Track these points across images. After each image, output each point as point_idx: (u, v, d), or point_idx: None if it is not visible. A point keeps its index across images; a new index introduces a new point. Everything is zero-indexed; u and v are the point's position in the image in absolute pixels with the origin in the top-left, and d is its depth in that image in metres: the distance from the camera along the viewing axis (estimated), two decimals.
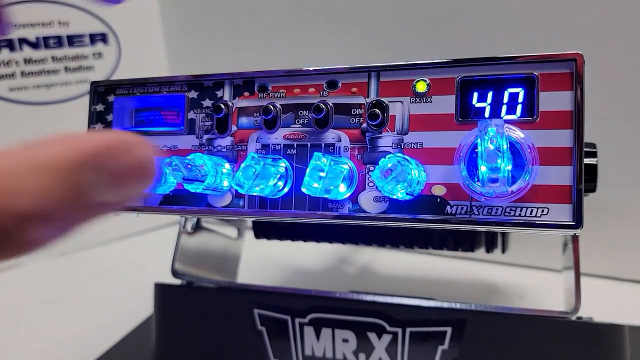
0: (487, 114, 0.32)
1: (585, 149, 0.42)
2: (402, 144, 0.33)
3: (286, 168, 0.35)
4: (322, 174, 0.32)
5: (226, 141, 0.37)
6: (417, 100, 0.33)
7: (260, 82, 0.37)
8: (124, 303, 0.64)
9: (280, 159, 0.35)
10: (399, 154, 0.32)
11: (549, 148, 0.30)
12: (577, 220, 0.29)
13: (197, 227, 0.54)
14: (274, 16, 0.78)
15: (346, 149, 0.34)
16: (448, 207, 0.32)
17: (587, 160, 0.41)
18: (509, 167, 0.29)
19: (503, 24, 0.63)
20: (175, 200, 0.38)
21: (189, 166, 0.33)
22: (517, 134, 0.30)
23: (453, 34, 0.66)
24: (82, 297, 0.69)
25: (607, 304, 0.57)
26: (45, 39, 0.81)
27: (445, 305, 0.42)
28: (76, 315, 0.64)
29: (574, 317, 0.40)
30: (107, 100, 0.41)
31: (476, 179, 0.30)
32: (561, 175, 0.30)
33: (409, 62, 0.33)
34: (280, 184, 0.35)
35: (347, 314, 0.44)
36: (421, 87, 0.33)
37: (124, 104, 0.40)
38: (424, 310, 0.42)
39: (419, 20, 0.68)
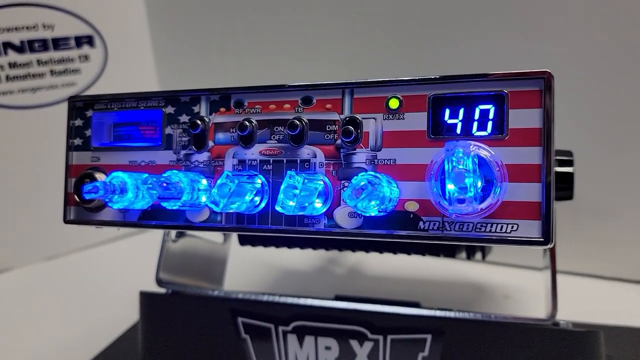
0: (458, 131, 0.32)
1: (561, 158, 0.42)
2: (376, 160, 0.33)
3: (262, 183, 0.35)
4: (296, 192, 0.32)
5: (203, 157, 0.37)
6: (390, 117, 0.33)
7: (237, 97, 0.37)
8: (111, 308, 0.65)
9: (256, 175, 0.35)
10: (370, 173, 0.32)
11: (518, 165, 0.30)
12: (546, 236, 0.30)
13: (182, 234, 0.54)
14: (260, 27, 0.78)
15: (321, 165, 0.34)
16: (421, 223, 0.32)
17: (563, 169, 0.42)
18: (479, 185, 0.29)
19: (477, 40, 0.64)
20: (154, 216, 0.38)
21: (165, 184, 0.34)
22: (486, 151, 0.31)
23: (427, 50, 0.67)
24: (68, 303, 0.69)
25: (586, 302, 0.59)
26: (30, 42, 0.80)
27: (426, 312, 0.43)
28: (61, 321, 0.65)
29: (550, 323, 0.41)
30: (86, 115, 0.41)
31: (446, 197, 0.30)
32: (530, 192, 0.30)
33: (382, 79, 0.33)
34: (257, 199, 0.35)
35: (329, 322, 0.44)
36: (394, 104, 0.33)
37: (102, 119, 0.40)
38: (404, 318, 0.43)
39: (394, 37, 0.68)
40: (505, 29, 0.63)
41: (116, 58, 0.88)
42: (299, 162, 0.35)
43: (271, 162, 0.36)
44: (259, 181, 0.35)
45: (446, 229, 0.32)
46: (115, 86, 0.86)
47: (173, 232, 0.53)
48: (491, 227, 0.31)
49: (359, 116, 0.34)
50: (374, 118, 0.33)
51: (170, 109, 0.38)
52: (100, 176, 0.39)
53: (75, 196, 0.39)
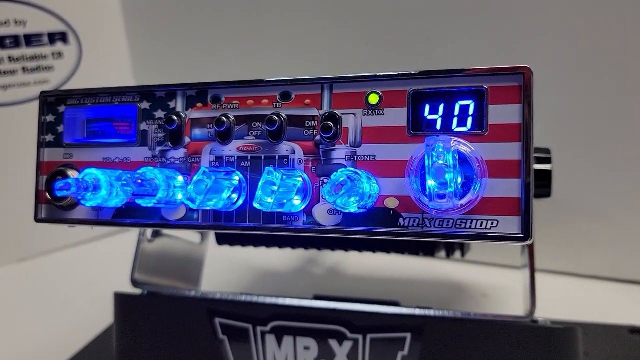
0: (438, 127, 0.32)
1: (540, 155, 0.43)
2: (356, 157, 0.33)
3: (240, 180, 0.34)
4: (275, 188, 0.31)
5: (179, 153, 0.36)
6: (370, 112, 0.33)
7: (214, 93, 0.36)
8: (85, 311, 0.63)
9: (233, 172, 0.34)
10: (350, 169, 0.32)
11: (498, 161, 0.30)
12: (526, 232, 0.30)
13: (158, 234, 0.53)
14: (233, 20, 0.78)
15: (300, 161, 0.34)
16: (401, 220, 0.32)
17: (541, 167, 0.42)
18: (459, 181, 0.29)
19: (458, 36, 0.64)
20: (128, 214, 0.37)
21: (140, 181, 0.33)
22: (466, 147, 0.31)
23: (408, 45, 0.67)
24: (41, 305, 0.67)
25: (564, 300, 0.59)
26: (1, 38, 0.78)
27: (405, 311, 0.42)
28: (33, 324, 0.63)
29: (529, 321, 0.41)
30: (58, 110, 0.39)
31: (426, 192, 0.30)
32: (510, 188, 0.30)
33: (361, 75, 0.33)
34: (235, 196, 0.34)
35: (308, 322, 0.44)
36: (373, 99, 0.33)
37: (75, 115, 0.39)
38: (384, 317, 0.43)
39: (374, 32, 0.68)
40: (485, 26, 0.63)
41: (91, 55, 0.86)
42: (277, 158, 0.34)
43: (249, 158, 0.35)
44: (237, 178, 0.34)
45: (426, 225, 0.31)
46: (90, 84, 0.83)
47: (149, 232, 0.52)
48: (471, 223, 0.31)
49: (338, 112, 0.33)
50: (353, 114, 0.33)
51: (145, 105, 0.37)
52: (72, 173, 0.38)
53: (47, 194, 0.38)
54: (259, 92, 0.35)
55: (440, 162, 0.27)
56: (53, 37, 0.83)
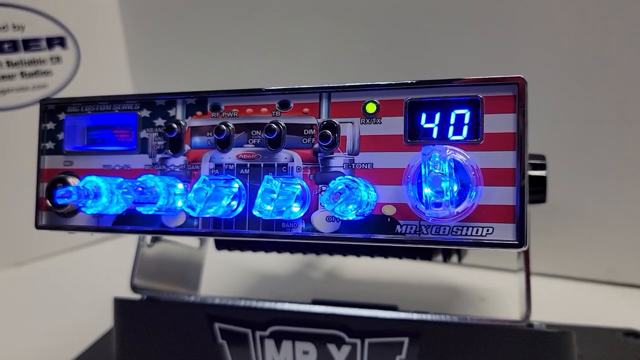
0: (434, 135, 0.32)
1: (534, 162, 0.43)
2: (353, 165, 0.33)
3: (239, 188, 0.35)
4: (274, 196, 0.32)
5: (179, 161, 0.37)
6: (367, 121, 0.33)
7: (213, 101, 0.37)
8: (83, 315, 0.63)
9: (233, 179, 0.35)
10: (348, 177, 0.32)
11: (493, 169, 0.31)
12: (520, 239, 0.30)
13: (157, 239, 0.53)
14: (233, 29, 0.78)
15: (299, 169, 0.34)
16: (398, 227, 0.32)
17: (536, 173, 0.43)
18: (455, 189, 0.29)
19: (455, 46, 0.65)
20: (129, 220, 0.37)
21: (140, 189, 0.33)
22: (462, 155, 0.31)
23: (406, 54, 0.68)
24: (38, 310, 0.68)
25: (560, 303, 0.60)
26: (0, 43, 0.79)
27: (403, 315, 0.43)
28: (31, 329, 0.63)
29: (525, 325, 0.42)
30: (58, 118, 0.40)
31: (423, 200, 0.30)
32: (505, 196, 0.31)
33: (359, 84, 0.33)
34: (234, 203, 0.35)
35: (307, 326, 0.44)
36: (371, 108, 0.33)
37: (76, 123, 0.39)
38: (382, 321, 0.43)
39: (373, 42, 0.69)
40: (481, 34, 0.64)
41: (89, 60, 0.86)
42: (276, 166, 0.35)
43: (248, 166, 0.35)
44: (236, 185, 0.35)
45: (423, 232, 0.32)
46: (88, 88, 0.84)
47: (148, 237, 0.52)
48: (467, 230, 0.31)
49: (336, 120, 0.34)
50: (351, 122, 0.34)
51: (145, 113, 0.38)
52: (73, 180, 0.38)
53: (48, 201, 0.38)
54: (258, 101, 0.36)
55: (437, 171, 0.28)
56: (51, 42, 0.83)
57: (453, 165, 0.30)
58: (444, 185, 0.28)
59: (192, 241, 0.60)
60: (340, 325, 0.44)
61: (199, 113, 0.37)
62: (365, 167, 0.33)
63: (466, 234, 0.31)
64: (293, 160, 0.35)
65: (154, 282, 0.52)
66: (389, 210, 0.32)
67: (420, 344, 0.42)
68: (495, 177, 0.31)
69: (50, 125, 0.40)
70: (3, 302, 0.70)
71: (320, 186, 0.34)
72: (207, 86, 0.37)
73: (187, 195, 0.34)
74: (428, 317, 0.42)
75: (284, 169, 0.35)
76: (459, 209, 0.30)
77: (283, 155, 0.35)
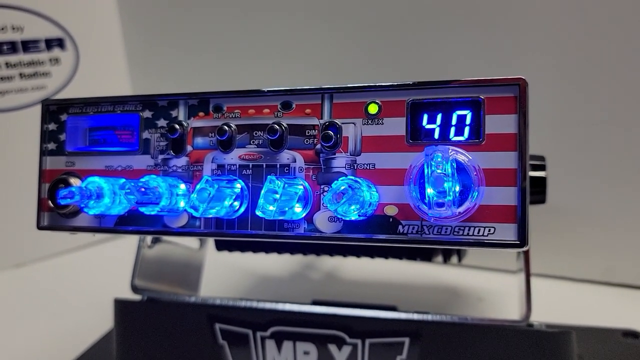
0: (436, 136, 0.32)
1: (534, 162, 0.44)
2: (355, 165, 0.34)
3: (242, 188, 0.35)
4: (277, 196, 0.32)
5: (181, 161, 0.37)
6: (369, 121, 0.34)
7: (215, 102, 0.37)
8: (83, 316, 0.63)
9: (235, 180, 0.35)
10: (350, 177, 0.32)
11: (494, 169, 0.31)
12: (522, 239, 0.30)
13: (157, 240, 0.53)
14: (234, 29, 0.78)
15: (301, 169, 0.35)
16: (400, 227, 0.33)
17: (536, 174, 0.43)
18: (457, 189, 0.29)
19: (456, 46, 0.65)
20: (131, 221, 0.37)
21: (143, 189, 0.33)
22: (464, 156, 0.31)
23: (407, 56, 0.68)
24: (38, 311, 0.68)
25: (559, 304, 0.60)
26: None
27: (403, 316, 0.43)
28: (30, 330, 0.63)
29: (525, 325, 0.42)
30: (60, 119, 0.40)
31: (425, 200, 0.31)
32: (506, 196, 0.31)
33: (361, 85, 0.33)
34: (236, 204, 0.35)
35: (307, 327, 0.44)
36: (373, 109, 0.33)
37: (77, 123, 0.39)
38: (382, 322, 0.43)
39: (375, 45, 0.69)
40: (483, 36, 0.64)
41: (88, 61, 0.86)
42: (278, 166, 0.35)
43: (250, 166, 0.36)
44: (239, 186, 0.35)
45: (425, 232, 0.32)
46: (87, 90, 0.85)
47: (149, 238, 0.52)
48: (469, 230, 0.31)
49: (338, 121, 0.34)
50: (353, 123, 0.34)
51: (147, 113, 0.38)
52: (75, 181, 0.38)
53: (50, 202, 0.38)
54: (260, 102, 0.36)
55: (439, 171, 0.28)
56: (50, 43, 0.83)
57: (455, 166, 0.30)
58: (447, 185, 0.28)
59: (193, 242, 0.60)
60: (341, 325, 0.44)
61: (201, 114, 0.37)
62: (368, 167, 0.33)
63: (468, 234, 0.31)
64: (295, 161, 0.35)
65: (155, 283, 0.52)
66: (391, 211, 0.33)
67: (421, 344, 0.42)
68: (497, 177, 0.31)
69: (52, 126, 0.40)
70: (3, 303, 0.70)
71: (322, 187, 0.34)
72: (207, 88, 0.37)
73: (190, 195, 0.34)
74: (429, 317, 0.43)
75: (287, 169, 0.35)
76: (461, 209, 0.30)
77: (285, 156, 0.35)
